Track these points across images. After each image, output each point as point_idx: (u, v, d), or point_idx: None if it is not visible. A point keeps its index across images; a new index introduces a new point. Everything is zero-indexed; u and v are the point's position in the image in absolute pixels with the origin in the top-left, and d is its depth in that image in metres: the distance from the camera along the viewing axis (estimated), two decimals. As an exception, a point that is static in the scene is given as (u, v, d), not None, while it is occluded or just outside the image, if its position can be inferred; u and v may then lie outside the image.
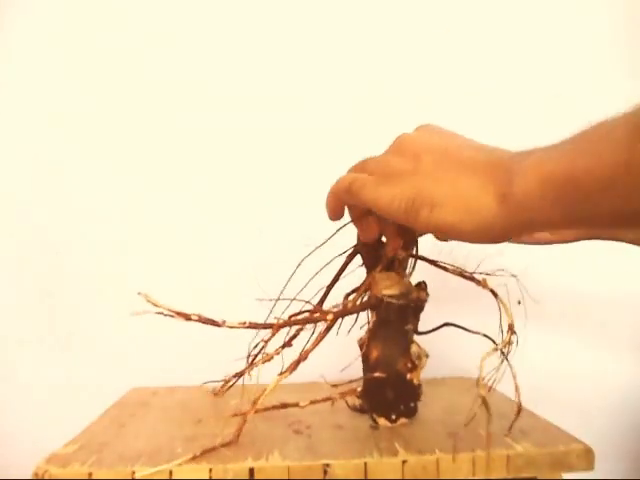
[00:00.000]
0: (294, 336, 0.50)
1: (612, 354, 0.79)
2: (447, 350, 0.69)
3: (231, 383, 0.60)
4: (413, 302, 0.49)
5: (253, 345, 0.52)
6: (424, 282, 0.51)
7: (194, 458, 0.43)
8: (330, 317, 0.48)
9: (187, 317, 0.46)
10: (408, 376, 0.50)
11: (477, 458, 0.44)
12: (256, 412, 0.46)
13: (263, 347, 0.50)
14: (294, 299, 0.51)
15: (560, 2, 0.79)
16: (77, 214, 0.76)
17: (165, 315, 0.45)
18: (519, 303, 0.81)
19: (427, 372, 0.53)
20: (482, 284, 0.50)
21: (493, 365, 0.45)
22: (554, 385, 0.78)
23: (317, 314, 0.49)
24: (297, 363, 0.46)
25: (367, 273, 0.52)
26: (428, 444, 0.46)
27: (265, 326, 0.47)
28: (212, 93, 0.76)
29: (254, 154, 0.77)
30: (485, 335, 0.49)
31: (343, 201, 0.46)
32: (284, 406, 0.51)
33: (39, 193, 0.75)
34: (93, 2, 0.75)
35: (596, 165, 0.26)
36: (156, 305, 0.45)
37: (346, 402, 0.55)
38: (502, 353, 0.46)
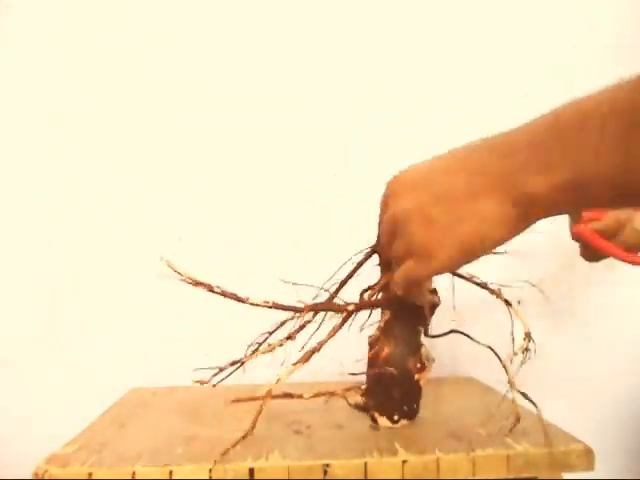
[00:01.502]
0: (298, 329, 0.49)
1: (612, 354, 0.79)
2: (449, 351, 0.69)
3: (229, 371, 0.57)
4: (427, 304, 0.50)
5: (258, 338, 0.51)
6: (435, 288, 0.52)
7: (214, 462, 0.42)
8: (351, 307, 0.49)
9: (210, 288, 0.46)
10: (416, 377, 0.50)
11: (477, 458, 0.44)
12: (263, 399, 0.46)
13: (266, 339, 0.50)
14: (322, 288, 0.52)
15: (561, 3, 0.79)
16: (77, 214, 0.75)
17: (188, 283, 0.45)
18: (519, 303, 0.81)
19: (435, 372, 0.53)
20: (497, 294, 0.50)
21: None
22: (555, 385, 0.78)
23: (339, 304, 0.50)
24: (312, 353, 0.47)
25: (382, 273, 0.52)
26: (428, 444, 0.46)
27: (290, 308, 0.48)
28: (212, 92, 0.76)
29: (270, 147, 0.77)
30: (490, 347, 0.50)
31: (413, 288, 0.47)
32: (289, 396, 0.51)
33: (39, 193, 0.75)
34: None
35: (598, 170, 0.30)
36: (178, 273, 0.45)
37: (346, 400, 0.54)
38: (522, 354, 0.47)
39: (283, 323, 0.49)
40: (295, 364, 0.47)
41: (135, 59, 0.76)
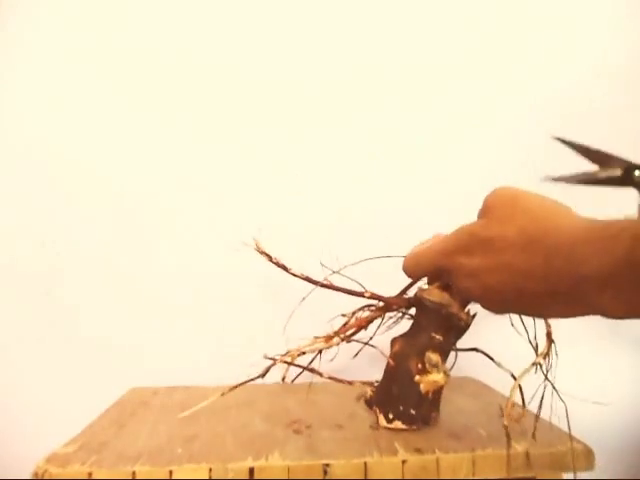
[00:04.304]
0: (357, 331, 0.52)
1: (613, 354, 0.79)
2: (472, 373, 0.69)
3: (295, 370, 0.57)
4: (447, 313, 0.50)
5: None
6: (475, 313, 0.51)
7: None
8: (367, 295, 0.52)
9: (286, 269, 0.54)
10: (416, 378, 0.50)
11: (477, 458, 0.44)
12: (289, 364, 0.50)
13: (349, 319, 0.52)
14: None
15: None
16: (77, 214, 0.75)
17: (272, 262, 0.53)
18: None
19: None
20: None
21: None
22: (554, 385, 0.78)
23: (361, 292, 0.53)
24: (360, 326, 0.51)
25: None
26: (428, 444, 0.46)
27: (358, 293, 0.52)
28: (216, 87, 0.76)
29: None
30: (512, 375, 0.50)
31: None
32: (311, 370, 0.53)
33: (39, 193, 0.75)
34: None
35: (605, 261, 0.34)
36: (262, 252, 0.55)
37: (364, 394, 0.55)
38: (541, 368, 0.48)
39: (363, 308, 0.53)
40: (332, 343, 0.49)
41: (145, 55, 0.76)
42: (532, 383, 0.50)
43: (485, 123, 0.72)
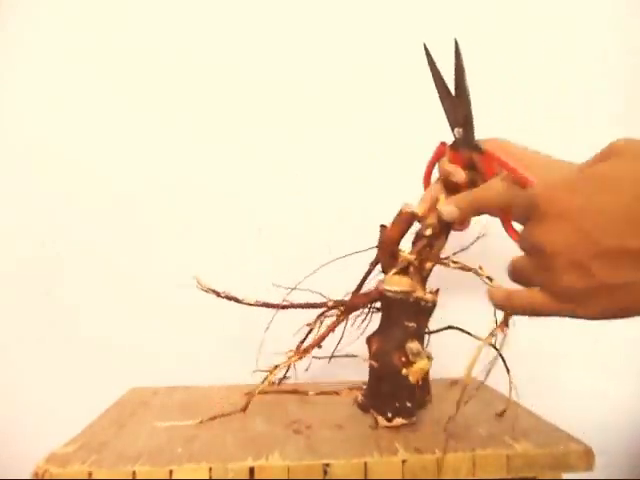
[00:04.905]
0: (322, 337, 0.53)
1: (613, 353, 0.79)
2: (451, 352, 0.69)
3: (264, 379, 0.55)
4: (414, 300, 0.50)
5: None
6: (438, 289, 0.52)
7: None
8: (331, 303, 0.53)
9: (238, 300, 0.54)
10: (403, 371, 0.50)
11: (477, 458, 0.44)
12: (266, 393, 0.48)
13: (309, 332, 0.53)
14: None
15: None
16: (77, 214, 0.75)
17: (220, 297, 0.53)
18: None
19: (432, 374, 0.53)
20: (479, 273, 0.50)
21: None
22: (554, 385, 0.78)
23: (323, 302, 0.53)
24: (304, 351, 0.50)
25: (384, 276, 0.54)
26: (428, 444, 0.46)
27: (275, 305, 0.53)
28: (215, 85, 0.76)
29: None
30: (493, 346, 0.48)
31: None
32: (295, 392, 0.54)
33: (39, 193, 0.75)
34: None
35: None
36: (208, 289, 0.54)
37: (356, 399, 0.55)
38: (495, 347, 0.46)
39: (320, 316, 0.53)
40: (292, 357, 0.48)
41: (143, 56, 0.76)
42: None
43: (485, 123, 0.72)
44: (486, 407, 0.58)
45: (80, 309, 0.75)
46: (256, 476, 0.42)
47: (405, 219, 0.52)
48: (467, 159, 0.51)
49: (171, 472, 0.42)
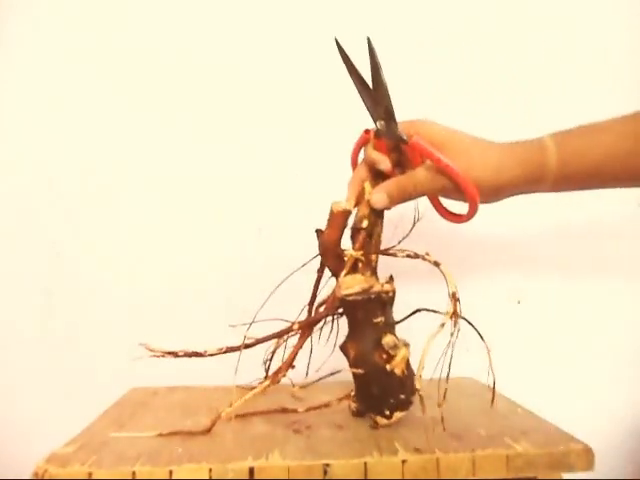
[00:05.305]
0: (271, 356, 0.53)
1: (613, 354, 0.79)
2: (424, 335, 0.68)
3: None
4: (375, 295, 0.49)
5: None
6: (391, 276, 0.52)
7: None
8: (296, 327, 0.51)
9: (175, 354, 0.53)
10: (387, 367, 0.49)
11: (477, 458, 0.44)
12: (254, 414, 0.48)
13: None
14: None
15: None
16: (77, 215, 0.76)
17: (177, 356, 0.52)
18: (519, 303, 0.82)
19: (429, 373, 0.53)
20: (426, 259, 0.50)
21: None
22: (554, 385, 0.78)
23: (287, 328, 0.52)
24: (276, 375, 0.51)
25: (336, 280, 0.52)
26: (428, 444, 0.46)
27: (237, 348, 0.51)
28: (214, 86, 0.76)
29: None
30: (465, 320, 0.48)
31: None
32: (284, 411, 0.54)
33: (39, 194, 0.75)
34: None
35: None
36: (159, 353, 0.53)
37: (349, 407, 0.55)
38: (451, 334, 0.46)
39: (274, 351, 0.53)
40: (263, 382, 0.50)
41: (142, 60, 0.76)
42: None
43: (484, 122, 0.72)
44: (486, 407, 0.58)
45: (80, 309, 0.75)
46: (256, 476, 0.42)
47: (340, 217, 0.51)
48: (392, 144, 0.52)
49: (171, 472, 0.42)
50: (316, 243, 0.53)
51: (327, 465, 0.43)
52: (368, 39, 0.49)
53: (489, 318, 0.52)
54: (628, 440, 0.79)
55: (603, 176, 0.50)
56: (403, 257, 0.51)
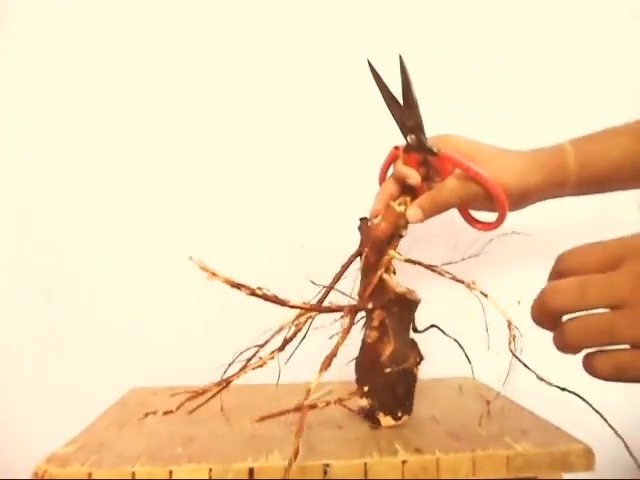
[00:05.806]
0: (289, 340, 0.49)
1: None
2: (449, 351, 0.69)
3: (212, 393, 0.52)
4: (415, 299, 0.50)
5: (242, 350, 0.52)
6: (412, 289, 0.52)
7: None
8: (368, 306, 0.50)
9: (252, 291, 0.46)
10: (415, 370, 0.51)
11: (477, 458, 0.44)
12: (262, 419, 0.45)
13: (257, 352, 0.50)
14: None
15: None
16: (77, 215, 0.76)
17: (231, 286, 0.46)
18: (519, 303, 0.81)
19: (427, 372, 0.53)
20: (471, 287, 0.50)
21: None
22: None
23: (352, 307, 0.50)
24: (331, 358, 0.47)
25: (365, 275, 0.52)
26: (428, 444, 0.46)
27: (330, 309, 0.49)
28: (214, 89, 0.76)
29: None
30: (456, 341, 0.52)
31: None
32: (285, 412, 0.50)
33: (39, 194, 0.75)
34: None
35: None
36: (214, 275, 0.47)
37: (359, 409, 0.54)
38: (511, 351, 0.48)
39: (278, 331, 0.50)
40: (320, 371, 0.46)
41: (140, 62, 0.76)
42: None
43: (484, 123, 0.72)
44: (486, 407, 0.58)
45: (80, 309, 0.75)
46: (256, 476, 0.42)
47: (396, 217, 0.52)
48: (420, 159, 0.54)
49: (171, 472, 0.42)
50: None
51: (327, 465, 0.43)
52: (400, 57, 0.51)
53: (489, 318, 0.52)
54: (628, 440, 0.79)
55: (622, 176, 0.52)
56: (449, 278, 0.52)
